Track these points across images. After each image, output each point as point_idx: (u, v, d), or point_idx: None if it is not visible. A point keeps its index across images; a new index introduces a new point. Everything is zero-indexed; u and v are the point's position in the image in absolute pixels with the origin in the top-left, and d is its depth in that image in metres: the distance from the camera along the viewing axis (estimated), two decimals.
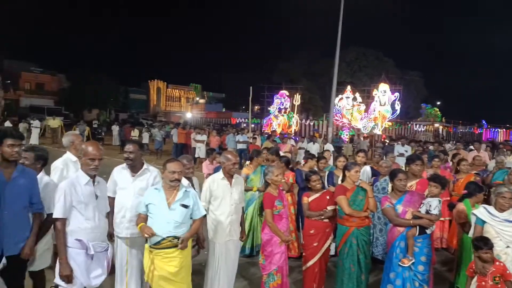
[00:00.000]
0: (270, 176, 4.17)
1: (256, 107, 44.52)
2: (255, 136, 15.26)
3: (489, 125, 41.94)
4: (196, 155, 14.35)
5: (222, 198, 4.04)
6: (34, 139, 18.50)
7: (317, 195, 4.48)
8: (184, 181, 3.78)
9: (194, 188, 4.16)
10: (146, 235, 3.16)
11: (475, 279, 3.59)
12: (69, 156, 4.20)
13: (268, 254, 4.06)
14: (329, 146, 13.85)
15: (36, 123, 20.00)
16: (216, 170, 5.88)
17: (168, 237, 3.22)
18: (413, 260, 3.86)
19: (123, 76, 48.20)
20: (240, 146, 14.49)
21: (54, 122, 21.44)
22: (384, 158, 7.06)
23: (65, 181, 3.15)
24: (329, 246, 4.54)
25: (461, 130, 39.93)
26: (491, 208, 3.85)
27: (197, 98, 61.35)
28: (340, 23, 19.33)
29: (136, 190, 3.71)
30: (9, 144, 3.00)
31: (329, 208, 4.41)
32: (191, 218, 3.43)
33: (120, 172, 3.82)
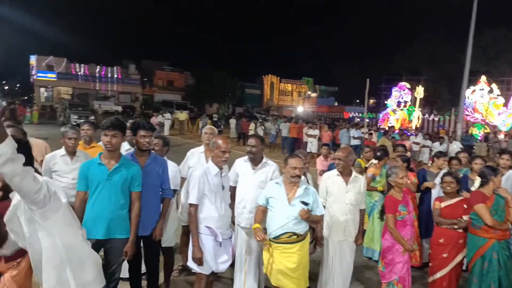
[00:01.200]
0: (394, 178, 3.87)
1: (371, 100, 42.30)
2: (371, 131, 14.48)
3: None
4: (308, 150, 14.28)
5: (336, 196, 3.91)
6: (166, 130, 20.94)
7: (452, 201, 4.02)
8: (308, 176, 3.78)
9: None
10: (257, 239, 3.21)
11: None
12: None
13: (388, 262, 3.79)
14: (456, 145, 12.32)
15: (168, 115, 22.53)
16: (330, 166, 5.74)
17: (287, 232, 3.23)
18: None
19: (240, 73, 50.90)
20: (354, 142, 13.93)
21: (182, 115, 23.90)
22: None
23: (198, 170, 3.38)
24: (462, 259, 4.01)
25: None
26: None
27: (309, 92, 61.21)
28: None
29: (257, 182, 3.84)
30: (142, 135, 3.37)
31: (465, 218, 3.92)
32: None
33: (242, 165, 4.00)
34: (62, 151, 3.94)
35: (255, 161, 3.92)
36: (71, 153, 3.91)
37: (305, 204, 3.27)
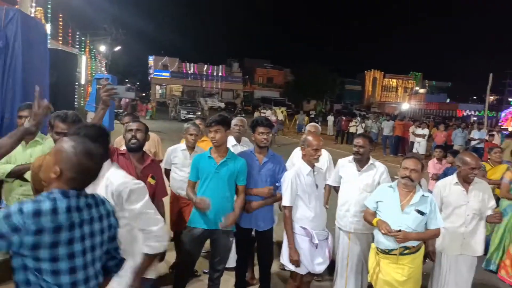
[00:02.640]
0: None
1: (492, 97, 37.34)
2: (492, 132, 12.75)
3: None
4: (414, 150, 13.19)
5: (455, 207, 3.47)
6: None
7: None
8: (423, 183, 3.43)
9: None
10: (382, 231, 2.98)
11: None
12: None
13: None
14: None
15: (268, 113, 23.08)
16: (446, 171, 5.17)
17: (398, 248, 2.99)
18: None
19: (341, 68, 49.50)
20: (473, 143, 12.45)
21: (280, 112, 24.20)
22: None
23: (290, 170, 3.34)
24: None
25: None
26: None
27: (417, 88, 56.70)
28: None
29: (362, 185, 3.64)
30: (260, 131, 3.43)
31: None
32: (425, 227, 3.07)
33: (346, 166, 3.82)
34: (183, 145, 4.16)
35: (361, 162, 3.71)
36: (191, 148, 4.16)
37: (421, 213, 2.99)
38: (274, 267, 3.94)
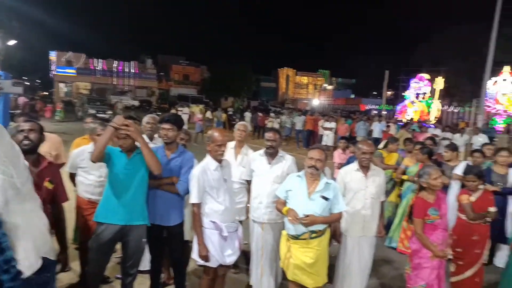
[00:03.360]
0: (426, 178, 3.51)
1: (389, 92, 41.58)
2: (389, 124, 14.25)
3: None
4: (323, 143, 14.16)
5: (356, 191, 3.80)
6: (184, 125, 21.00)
7: (479, 193, 3.88)
8: (327, 171, 3.68)
9: None
10: (289, 218, 3.13)
11: None
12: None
13: (415, 267, 3.59)
14: (482, 137, 11.95)
15: (185, 110, 22.64)
16: (349, 160, 5.65)
17: (306, 232, 3.18)
18: None
19: (256, 66, 50.52)
20: (375, 135, 13.78)
21: (197, 109, 23.93)
22: None
23: (197, 167, 3.33)
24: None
25: None
26: None
27: (325, 85, 60.63)
28: None
29: (273, 177, 3.80)
30: (162, 127, 3.41)
31: (491, 209, 3.80)
32: (330, 211, 3.30)
33: (257, 159, 3.95)
34: (90, 147, 3.71)
35: (273, 155, 3.87)
36: None
37: (325, 199, 3.21)
38: (192, 264, 3.91)
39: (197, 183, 3.20)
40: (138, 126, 3.23)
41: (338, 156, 6.87)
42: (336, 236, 3.82)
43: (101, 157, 2.97)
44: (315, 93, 59.14)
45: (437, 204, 3.51)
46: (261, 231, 3.88)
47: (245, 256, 4.50)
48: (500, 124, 20.99)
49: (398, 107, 27.06)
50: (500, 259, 4.92)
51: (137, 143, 3.12)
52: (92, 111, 22.98)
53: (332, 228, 3.76)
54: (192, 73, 53.06)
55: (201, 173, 3.23)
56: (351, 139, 9.24)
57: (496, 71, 22.56)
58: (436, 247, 3.46)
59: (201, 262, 3.26)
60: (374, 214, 3.84)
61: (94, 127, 3.86)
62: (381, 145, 7.71)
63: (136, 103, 36.12)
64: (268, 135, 3.87)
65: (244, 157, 4.26)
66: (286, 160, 3.89)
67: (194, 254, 3.29)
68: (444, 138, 13.00)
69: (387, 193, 5.42)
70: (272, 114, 20.74)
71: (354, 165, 3.91)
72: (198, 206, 3.24)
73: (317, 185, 3.25)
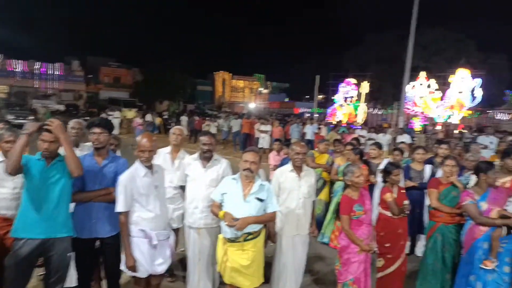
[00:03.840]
0: (349, 176, 3.69)
1: (320, 96, 43.57)
2: (320, 126, 14.93)
3: None
4: (260, 146, 14.43)
5: (290, 191, 3.93)
6: (115, 129, 20.03)
7: (396, 189, 4.23)
8: (261, 173, 3.74)
9: None
10: (226, 223, 3.12)
11: None
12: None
13: (344, 262, 3.78)
14: (406, 137, 13.02)
15: (116, 114, 21.57)
16: (283, 161, 5.81)
17: (242, 234, 3.20)
18: (497, 263, 3.57)
19: (191, 69, 49.62)
20: (308, 136, 14.33)
21: (130, 113, 22.99)
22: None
23: (124, 174, 3.17)
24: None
25: None
26: None
27: (261, 89, 61.74)
28: (416, 1, 17.80)
29: (208, 181, 3.76)
30: (92, 132, 3.23)
31: (406, 202, 4.15)
32: (264, 212, 3.35)
33: (192, 163, 3.89)
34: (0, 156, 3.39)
35: (207, 158, 3.84)
36: None
37: (260, 200, 3.26)
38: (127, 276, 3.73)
39: (124, 191, 3.07)
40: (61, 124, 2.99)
41: (273, 158, 7.03)
42: (271, 236, 3.89)
43: (18, 167, 2.72)
44: (251, 96, 59.94)
45: (361, 201, 3.74)
46: (197, 236, 3.83)
47: (181, 263, 4.40)
48: (421, 126, 23.04)
49: (329, 110, 28.43)
50: (420, 249, 5.38)
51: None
52: (10, 117, 21.01)
53: (267, 229, 3.84)
54: (124, 75, 50.70)
55: (129, 180, 3.10)
56: (285, 141, 9.50)
57: (413, 76, 24.75)
58: (363, 242, 3.67)
59: (129, 273, 3.14)
60: (307, 213, 3.99)
61: (1, 133, 3.49)
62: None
63: (62, 107, 33.56)
64: (204, 139, 3.83)
65: (181, 161, 4.18)
66: (221, 164, 3.88)
67: (122, 265, 3.15)
68: (369, 139, 13.97)
69: (318, 191, 5.69)
70: (208, 118, 20.66)
71: (289, 166, 4.03)
72: (125, 214, 3.10)
73: (252, 187, 3.29)
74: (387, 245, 4.17)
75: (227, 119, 19.36)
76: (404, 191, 4.29)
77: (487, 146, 9.77)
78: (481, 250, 3.62)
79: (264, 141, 14.30)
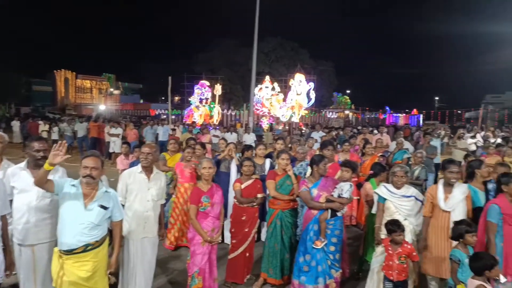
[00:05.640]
0: (200, 168, 4.11)
1: (176, 97, 43.47)
2: (175, 127, 14.94)
3: (392, 111, 46.97)
4: (111, 150, 13.61)
5: (137, 193, 3.87)
6: None
7: (249, 182, 4.59)
8: (104, 179, 3.56)
9: None
10: None
11: (379, 253, 3.96)
12: None
13: (191, 254, 3.93)
14: (252, 136, 14.18)
15: None
16: (132, 165, 5.64)
17: (80, 246, 3.02)
18: (326, 242, 4.12)
19: (26, 67, 42.57)
20: (162, 138, 14.13)
21: None
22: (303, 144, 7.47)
23: None
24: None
25: (368, 116, 44.00)
26: (390, 186, 4.27)
27: (111, 89, 57.72)
28: (257, 13, 19.55)
29: (41, 192, 3.37)
30: None
31: (259, 195, 4.59)
32: (109, 220, 3.26)
33: (19, 174, 3.43)
34: None
35: (39, 166, 3.43)
36: None
37: (104, 208, 3.13)
38: None
39: None
40: None
41: (120, 162, 6.74)
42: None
43: None
44: (101, 98, 55.38)
45: (210, 193, 3.99)
46: (31, 254, 3.41)
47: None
48: (268, 125, 25.29)
49: (186, 112, 28.59)
50: (264, 235, 5.97)
51: None
52: None
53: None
54: None
55: None
56: (141, 144, 9.21)
57: (260, 80, 27.06)
58: (206, 233, 3.91)
59: None
60: (155, 215, 3.99)
61: None
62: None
63: None
64: (36, 144, 3.45)
65: (6, 172, 3.62)
66: (57, 171, 3.56)
67: None
68: (223, 138, 14.73)
69: (171, 195, 5.77)
70: (41, 121, 18.45)
71: (138, 167, 3.98)
72: None
73: (95, 194, 3.13)
74: (232, 230, 4.57)
75: (71, 122, 17.50)
76: (260, 185, 4.67)
77: (317, 140, 11.46)
78: (312, 231, 4.17)
79: (115, 145, 13.48)
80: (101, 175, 3.34)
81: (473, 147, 11.09)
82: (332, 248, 4.16)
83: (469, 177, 4.39)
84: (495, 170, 4.31)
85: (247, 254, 4.60)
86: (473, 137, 12.17)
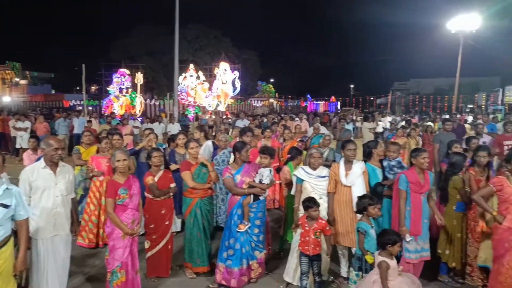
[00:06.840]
0: (113, 161, 3.98)
1: (93, 87, 40.72)
2: (90, 119, 14.05)
3: (313, 99, 49.51)
4: (18, 146, 12.41)
5: (44, 189, 3.61)
6: None
7: (160, 173, 4.50)
8: (4, 176, 3.24)
9: None
10: None
11: (298, 233, 4.21)
12: None
13: (111, 249, 3.80)
14: (176, 126, 13.89)
15: None
16: (39, 159, 5.19)
17: None
18: (249, 225, 4.29)
19: None
20: (76, 130, 13.20)
21: None
22: (230, 132, 7.51)
23: None
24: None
25: (291, 104, 45.81)
26: (307, 168, 4.56)
27: (17, 79, 52.04)
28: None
29: None
30: None
31: (172, 185, 4.53)
32: (12, 219, 3.04)
33: None
34: None
35: None
36: None
37: (5, 206, 2.88)
38: None
39: None
40: None
41: (27, 157, 6.18)
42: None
43: None
44: (4, 88, 49.60)
45: (127, 185, 3.89)
46: None
47: None
48: (190, 114, 24.88)
49: (104, 102, 26.89)
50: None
51: None
52: None
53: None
54: None
55: None
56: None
57: (184, 68, 26.46)
58: (126, 226, 3.81)
59: None
60: (66, 211, 3.77)
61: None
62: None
63: None
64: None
65: None
66: None
67: None
68: (146, 129, 14.21)
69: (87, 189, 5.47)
70: None
71: (41, 163, 3.70)
72: None
73: None
74: (151, 226, 4.45)
75: None
76: (171, 175, 4.62)
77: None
78: (236, 215, 4.30)
79: (23, 141, 12.24)
80: (2, 172, 3.08)
81: (380, 129, 12.29)
82: (256, 230, 4.34)
83: (367, 156, 4.81)
84: (388, 149, 4.77)
85: (169, 247, 4.58)
86: (380, 121, 13.48)
